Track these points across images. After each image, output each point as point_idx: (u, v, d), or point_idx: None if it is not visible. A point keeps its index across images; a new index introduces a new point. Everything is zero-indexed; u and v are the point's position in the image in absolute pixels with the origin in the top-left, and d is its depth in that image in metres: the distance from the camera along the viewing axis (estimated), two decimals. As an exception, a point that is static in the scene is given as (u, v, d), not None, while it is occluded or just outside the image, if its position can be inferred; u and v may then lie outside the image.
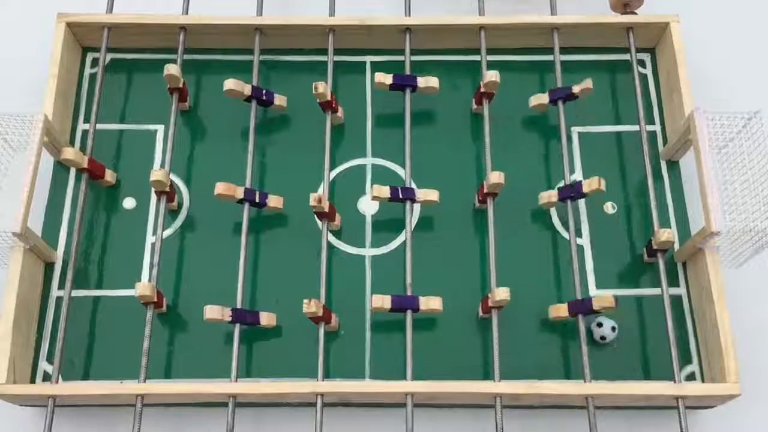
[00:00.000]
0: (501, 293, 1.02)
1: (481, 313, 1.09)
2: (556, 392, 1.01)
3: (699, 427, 1.08)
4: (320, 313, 1.02)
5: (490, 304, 1.05)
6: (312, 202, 1.06)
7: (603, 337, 1.07)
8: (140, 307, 1.06)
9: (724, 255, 1.05)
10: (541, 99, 1.18)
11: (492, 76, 1.13)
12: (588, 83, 1.16)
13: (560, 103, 1.16)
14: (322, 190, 1.13)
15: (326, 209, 1.08)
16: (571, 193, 1.10)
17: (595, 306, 1.03)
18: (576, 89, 1.16)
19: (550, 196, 1.12)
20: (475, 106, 1.20)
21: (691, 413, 1.05)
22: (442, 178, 1.16)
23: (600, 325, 1.07)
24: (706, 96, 1.21)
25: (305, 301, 1.01)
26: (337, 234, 1.15)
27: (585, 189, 1.09)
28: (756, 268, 1.08)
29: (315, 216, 1.11)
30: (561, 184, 1.15)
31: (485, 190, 1.09)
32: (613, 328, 1.07)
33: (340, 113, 1.19)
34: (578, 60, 1.24)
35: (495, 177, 1.07)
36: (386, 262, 1.13)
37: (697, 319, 1.09)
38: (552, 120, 1.20)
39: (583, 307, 1.04)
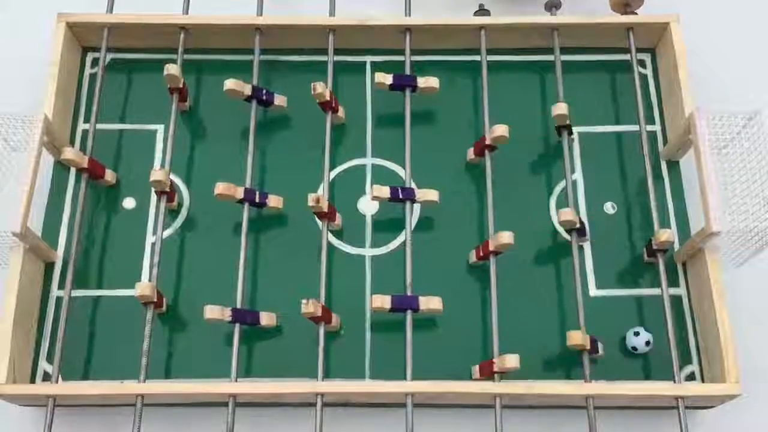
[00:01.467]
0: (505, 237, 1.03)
1: (474, 259, 1.09)
2: (556, 392, 1.01)
3: (699, 427, 1.08)
4: (318, 313, 1.02)
5: (490, 248, 1.05)
6: (310, 203, 1.06)
7: (635, 348, 1.06)
8: (140, 307, 1.06)
9: (725, 255, 1.05)
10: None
11: (502, 130, 1.11)
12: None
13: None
14: (322, 190, 1.13)
15: (325, 209, 1.08)
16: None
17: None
18: None
19: (573, 216, 1.08)
20: (471, 157, 1.17)
21: (690, 413, 1.05)
22: (441, 178, 1.16)
23: (637, 334, 1.06)
24: (706, 96, 1.21)
25: (303, 301, 1.01)
26: (337, 234, 1.14)
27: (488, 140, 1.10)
28: (756, 268, 1.08)
29: (315, 216, 1.11)
30: (562, 184, 1.15)
31: (490, 249, 1.07)
32: (648, 342, 1.06)
33: (340, 113, 1.19)
34: (578, 60, 1.24)
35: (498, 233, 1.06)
36: (386, 262, 1.13)
37: (697, 319, 1.09)
38: (552, 120, 1.20)
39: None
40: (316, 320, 1.04)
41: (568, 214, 1.06)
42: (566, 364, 1.07)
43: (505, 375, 1.02)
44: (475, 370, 1.06)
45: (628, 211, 1.16)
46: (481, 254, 1.09)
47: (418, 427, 1.02)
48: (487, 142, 1.12)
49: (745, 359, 1.04)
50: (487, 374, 1.03)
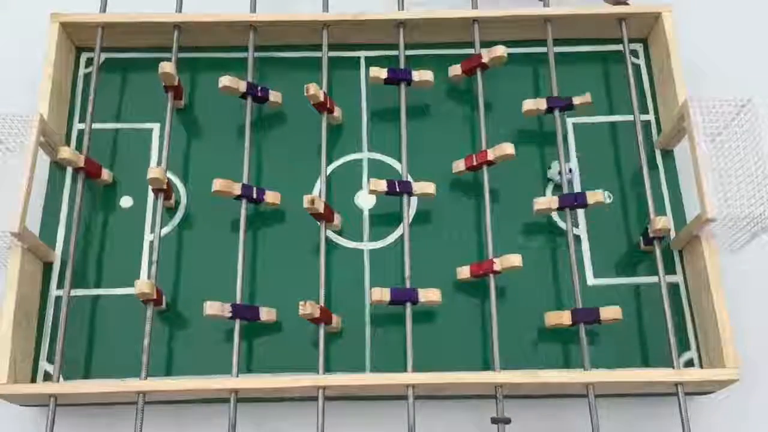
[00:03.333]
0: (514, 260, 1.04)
1: (466, 276, 1.08)
2: (556, 381, 1.01)
3: (698, 414, 1.09)
4: (316, 314, 1.02)
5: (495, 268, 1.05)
6: (305, 204, 1.06)
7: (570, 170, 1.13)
8: (140, 305, 1.06)
9: (721, 241, 1.06)
10: (538, 104, 1.16)
11: (500, 51, 1.14)
12: (588, 98, 1.16)
13: (557, 112, 1.16)
14: (319, 189, 1.13)
15: (321, 210, 1.08)
16: (574, 201, 1.10)
17: (603, 317, 1.04)
18: (576, 101, 1.16)
19: (549, 202, 1.10)
20: (459, 72, 1.19)
21: (690, 400, 1.06)
22: (438, 170, 1.16)
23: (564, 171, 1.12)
24: (698, 85, 1.22)
25: (300, 303, 1.01)
26: (336, 229, 1.15)
27: (589, 200, 1.09)
28: (752, 253, 1.08)
29: (312, 216, 1.11)
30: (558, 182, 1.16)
31: (488, 158, 1.11)
32: (570, 170, 1.12)
33: (336, 113, 1.19)
34: (572, 51, 1.25)
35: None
36: (384, 255, 1.13)
37: (695, 306, 1.10)
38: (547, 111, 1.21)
39: (587, 316, 1.04)
40: (316, 321, 1.04)
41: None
42: (565, 353, 1.08)
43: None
44: (463, 270, 1.07)
45: (623, 200, 1.17)
46: (474, 163, 1.12)
47: (420, 419, 1.02)
48: (485, 60, 1.15)
49: (743, 344, 1.05)
50: (482, 273, 1.05)
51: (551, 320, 1.06)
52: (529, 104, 1.16)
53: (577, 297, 1.06)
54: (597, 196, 1.09)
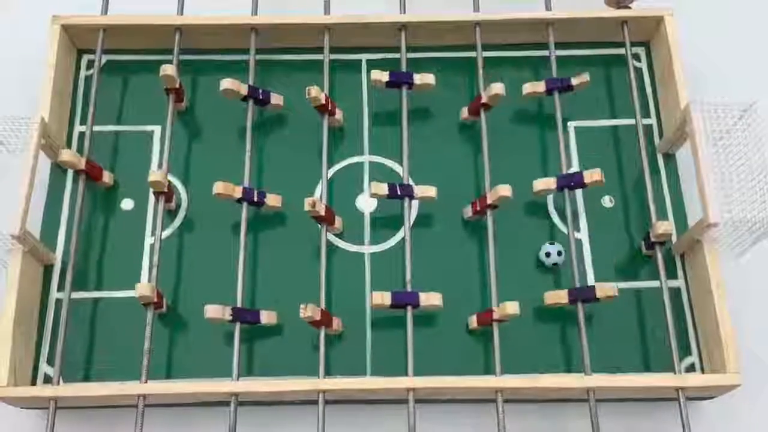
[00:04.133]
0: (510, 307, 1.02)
1: (474, 325, 1.08)
2: (557, 386, 1.01)
3: (699, 418, 1.08)
4: (317, 317, 1.02)
5: (495, 317, 1.04)
6: (306, 207, 1.06)
7: (548, 254, 1.10)
8: (140, 308, 1.06)
9: (723, 246, 1.05)
10: (537, 87, 1.17)
11: (498, 89, 1.13)
12: (585, 77, 1.16)
13: (556, 94, 1.16)
14: (320, 192, 1.13)
15: (322, 213, 1.07)
16: (571, 182, 1.10)
17: (598, 294, 1.04)
18: (574, 81, 1.17)
19: (547, 183, 1.11)
20: (466, 115, 1.19)
21: (691, 404, 1.05)
22: (439, 174, 1.16)
23: (552, 243, 1.11)
24: (700, 89, 1.21)
25: (301, 306, 1.01)
26: (336, 232, 1.15)
27: (586, 180, 1.09)
28: (754, 258, 1.08)
29: (313, 219, 1.11)
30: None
31: (487, 202, 1.09)
32: (559, 253, 1.10)
33: (338, 116, 1.19)
34: (573, 55, 1.25)
35: (503, 190, 1.08)
36: (385, 259, 1.13)
37: (697, 311, 1.10)
38: (548, 115, 1.21)
39: (584, 294, 1.05)
40: (316, 324, 1.04)
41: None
42: (566, 357, 1.07)
43: (503, 323, 1.04)
44: (472, 320, 1.07)
45: (625, 204, 1.16)
46: (478, 208, 1.11)
47: (420, 423, 1.02)
48: (484, 100, 1.14)
49: (745, 349, 1.04)
50: (485, 323, 1.04)
51: (550, 299, 1.06)
52: (528, 87, 1.17)
53: (579, 301, 1.05)
54: (594, 175, 1.09)
